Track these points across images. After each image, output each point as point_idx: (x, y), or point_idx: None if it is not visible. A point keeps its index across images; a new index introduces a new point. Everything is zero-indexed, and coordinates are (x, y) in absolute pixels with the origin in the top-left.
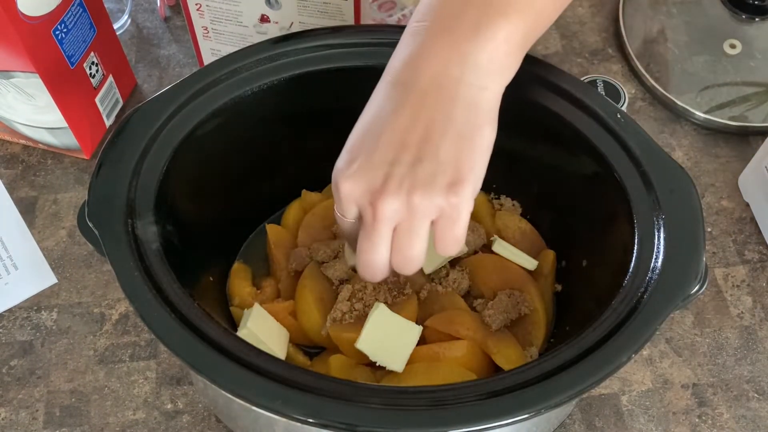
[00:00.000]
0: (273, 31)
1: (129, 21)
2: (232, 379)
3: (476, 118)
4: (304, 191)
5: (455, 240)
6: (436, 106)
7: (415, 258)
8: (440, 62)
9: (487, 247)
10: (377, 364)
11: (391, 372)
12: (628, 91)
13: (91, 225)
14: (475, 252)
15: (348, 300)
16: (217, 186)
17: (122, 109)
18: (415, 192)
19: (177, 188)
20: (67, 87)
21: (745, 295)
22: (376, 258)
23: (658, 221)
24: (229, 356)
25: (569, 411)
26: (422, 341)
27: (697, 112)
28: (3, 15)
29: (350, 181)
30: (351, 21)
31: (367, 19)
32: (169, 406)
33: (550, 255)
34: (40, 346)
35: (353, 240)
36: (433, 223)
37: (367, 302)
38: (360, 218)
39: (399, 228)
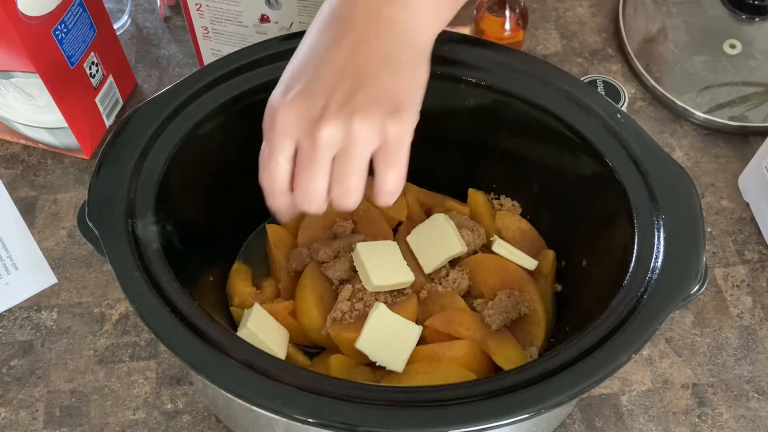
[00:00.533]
0: (273, 31)
1: (129, 21)
2: (232, 379)
3: (412, 53)
4: None
5: (397, 175)
6: (375, 40)
7: (353, 188)
8: (377, 2)
9: (487, 247)
10: (377, 364)
11: (391, 372)
12: (628, 91)
13: (91, 225)
14: (475, 252)
15: (348, 300)
16: (217, 186)
17: (122, 109)
18: (355, 117)
19: (177, 188)
20: (67, 87)
21: (745, 295)
22: (315, 187)
23: (658, 221)
24: (229, 356)
25: (569, 411)
26: (422, 341)
27: (697, 112)
28: (3, 15)
29: (288, 108)
30: None
31: None
32: (169, 406)
33: (550, 255)
34: (40, 346)
35: (280, 191)
36: (373, 159)
37: (367, 302)
38: (294, 155)
39: (339, 156)
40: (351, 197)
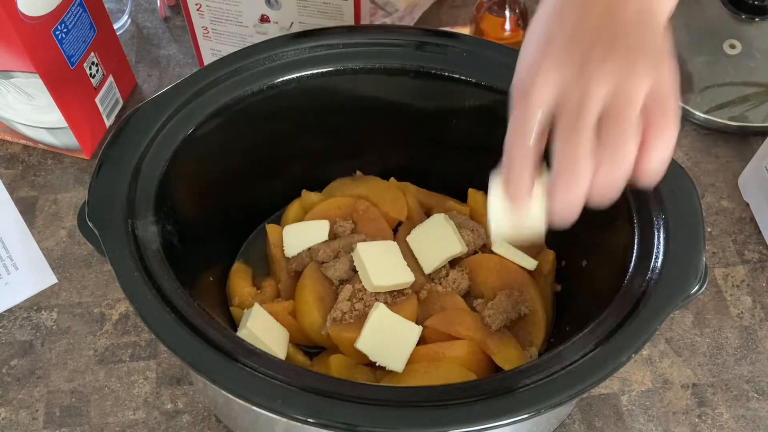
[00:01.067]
0: (273, 31)
1: (129, 21)
2: (232, 379)
3: (664, 8)
4: (304, 191)
5: (669, 123)
6: (626, 2)
7: (626, 150)
8: None
9: (487, 247)
10: (377, 364)
11: (391, 372)
12: None
13: (91, 225)
14: (475, 252)
15: (348, 300)
16: (217, 186)
17: (122, 109)
18: (620, 65)
19: (177, 188)
20: (67, 87)
21: (744, 295)
22: (580, 155)
23: (658, 221)
24: (229, 356)
25: (569, 411)
26: (422, 341)
27: (697, 112)
28: (3, 15)
29: (549, 69)
30: (351, 21)
31: (366, 19)
32: (169, 406)
33: (550, 255)
34: (40, 346)
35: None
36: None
37: (367, 302)
38: (551, 122)
39: (606, 116)
40: (623, 163)
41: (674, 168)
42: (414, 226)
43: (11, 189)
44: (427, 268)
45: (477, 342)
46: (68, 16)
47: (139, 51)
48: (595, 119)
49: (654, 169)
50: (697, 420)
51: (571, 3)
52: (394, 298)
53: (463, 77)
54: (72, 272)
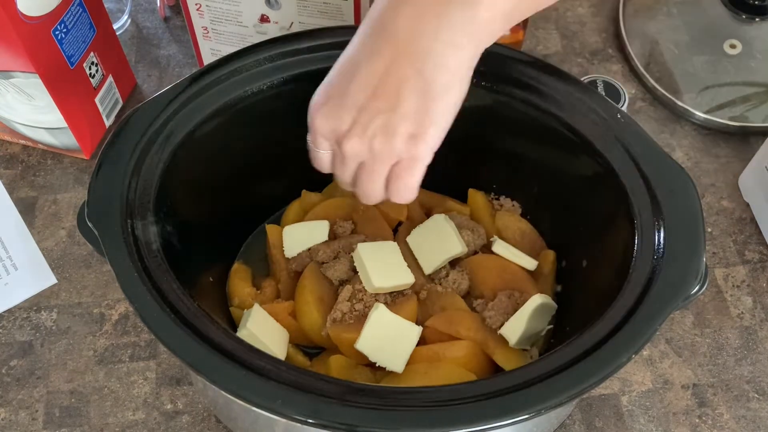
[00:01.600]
0: (273, 31)
1: (129, 21)
2: (232, 379)
3: (445, 77)
4: (304, 191)
5: (407, 188)
6: (408, 59)
7: (373, 194)
8: (417, 13)
9: (487, 248)
10: (377, 365)
11: (391, 372)
12: (628, 91)
13: (90, 225)
14: (475, 252)
15: (348, 300)
16: (217, 186)
17: (122, 109)
18: (376, 138)
19: (177, 188)
20: (67, 87)
21: (745, 295)
22: (346, 180)
23: (658, 221)
24: (229, 356)
25: (569, 411)
26: (422, 341)
27: (697, 112)
28: (3, 15)
29: (322, 118)
30: (351, 21)
31: None
32: (169, 406)
33: (550, 255)
34: (40, 347)
35: (326, 171)
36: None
37: (367, 303)
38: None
39: (361, 166)
40: (371, 200)
41: (674, 168)
42: (414, 227)
43: (11, 189)
44: (427, 269)
45: (477, 342)
46: (68, 16)
47: (139, 51)
48: (353, 166)
49: (398, 199)
50: (697, 420)
51: (367, 43)
52: (394, 298)
53: None
54: (72, 272)
